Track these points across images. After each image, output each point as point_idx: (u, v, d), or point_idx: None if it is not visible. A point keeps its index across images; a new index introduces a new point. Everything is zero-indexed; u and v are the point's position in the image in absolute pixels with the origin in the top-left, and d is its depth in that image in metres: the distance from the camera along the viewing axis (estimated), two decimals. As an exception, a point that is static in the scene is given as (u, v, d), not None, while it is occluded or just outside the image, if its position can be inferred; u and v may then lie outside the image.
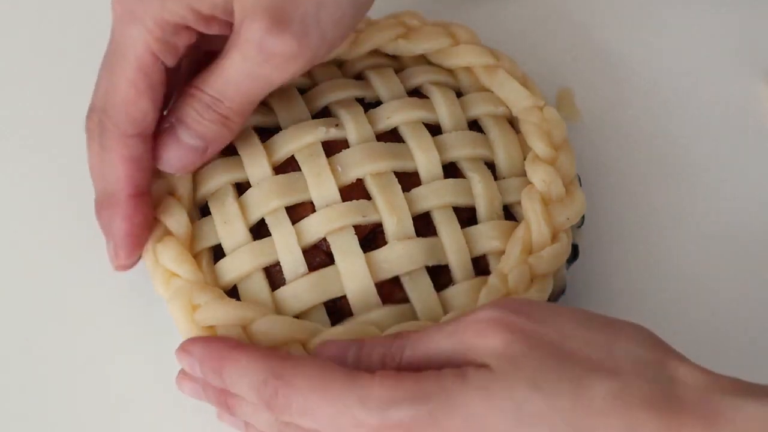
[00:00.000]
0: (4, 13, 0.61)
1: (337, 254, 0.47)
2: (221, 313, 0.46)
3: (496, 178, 0.51)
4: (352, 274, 0.47)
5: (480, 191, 0.50)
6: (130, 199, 0.47)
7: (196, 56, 0.49)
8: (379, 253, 0.48)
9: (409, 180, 0.49)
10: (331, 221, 0.48)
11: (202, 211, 0.50)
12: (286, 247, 0.48)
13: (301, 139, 0.50)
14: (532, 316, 0.41)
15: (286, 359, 0.42)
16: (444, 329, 0.41)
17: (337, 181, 0.49)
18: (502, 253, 0.49)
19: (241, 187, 0.50)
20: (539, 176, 0.50)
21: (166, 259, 0.48)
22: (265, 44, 0.44)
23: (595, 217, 0.55)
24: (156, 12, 0.45)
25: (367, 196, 0.49)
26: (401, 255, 0.47)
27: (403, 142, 0.50)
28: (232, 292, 0.48)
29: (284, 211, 0.49)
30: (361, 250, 0.47)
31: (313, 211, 0.48)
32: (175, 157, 0.47)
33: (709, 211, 0.56)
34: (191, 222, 0.49)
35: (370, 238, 0.48)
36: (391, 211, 0.48)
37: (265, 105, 0.52)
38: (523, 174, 0.51)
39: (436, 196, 0.49)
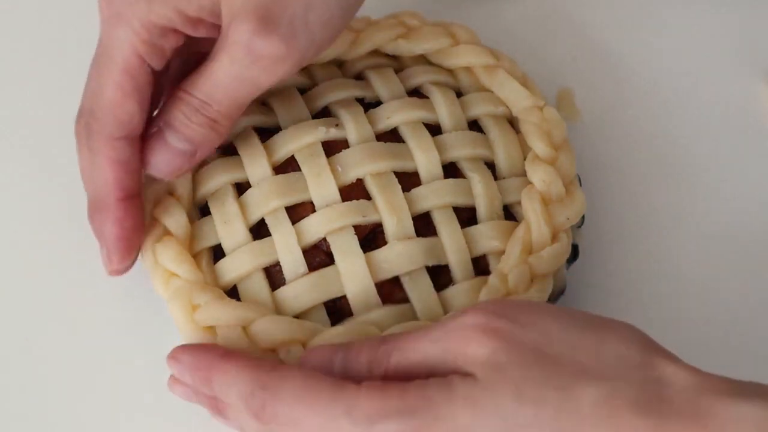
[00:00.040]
0: (4, 13, 0.61)
1: (337, 254, 0.47)
2: (221, 313, 0.46)
3: (496, 178, 0.51)
4: (352, 274, 0.47)
5: (480, 191, 0.50)
6: (120, 202, 0.47)
7: (185, 58, 0.49)
8: (379, 253, 0.48)
9: (409, 180, 0.49)
10: (331, 221, 0.48)
11: (201, 211, 0.50)
12: (286, 247, 0.48)
13: (301, 139, 0.50)
14: (517, 320, 0.40)
15: (273, 370, 0.42)
16: (430, 335, 0.41)
17: (337, 181, 0.49)
18: (502, 253, 0.49)
19: (241, 187, 0.50)
20: (539, 176, 0.50)
21: (166, 259, 0.48)
22: (253, 46, 0.44)
23: (595, 217, 0.55)
24: (143, 14, 0.45)
25: (367, 196, 0.49)
26: (401, 255, 0.47)
27: (403, 142, 0.50)
28: (232, 292, 0.48)
29: (284, 211, 0.49)
30: (361, 250, 0.47)
31: (313, 211, 0.48)
32: (163, 162, 0.47)
33: (709, 211, 0.56)
34: (191, 222, 0.49)
35: (370, 238, 0.48)
36: (391, 211, 0.48)
37: (265, 105, 0.52)
38: (523, 174, 0.51)
39: (436, 196, 0.49)
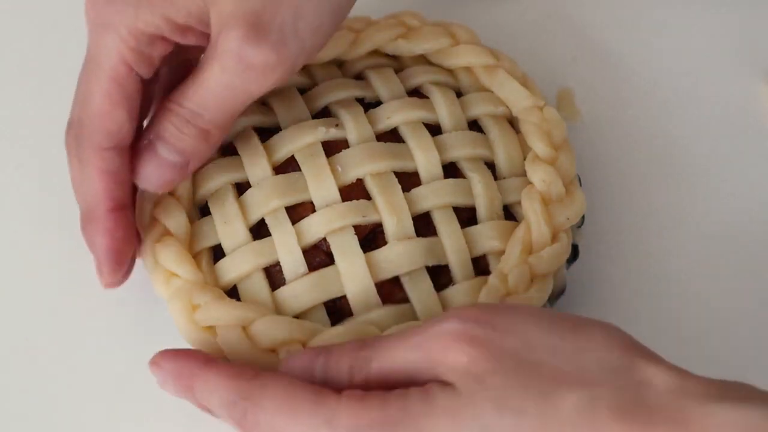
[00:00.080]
0: (4, 13, 0.61)
1: (337, 254, 0.47)
2: (221, 313, 0.46)
3: (496, 178, 0.51)
4: (352, 274, 0.47)
5: (480, 191, 0.50)
6: (110, 213, 0.46)
7: (174, 66, 0.49)
8: (379, 253, 0.48)
9: (409, 180, 0.49)
10: (331, 221, 0.48)
11: (201, 211, 0.50)
12: (286, 247, 0.48)
13: (301, 139, 0.50)
14: (496, 326, 0.40)
15: (254, 379, 0.42)
16: (410, 340, 0.41)
17: (337, 181, 0.49)
18: (502, 253, 0.49)
19: (241, 187, 0.50)
20: (539, 176, 0.50)
21: (166, 259, 0.48)
22: (244, 54, 0.43)
23: (595, 217, 0.55)
24: (130, 22, 0.44)
25: (367, 196, 0.49)
26: (401, 255, 0.47)
27: (403, 142, 0.50)
28: (232, 292, 0.48)
29: (284, 211, 0.49)
30: (361, 250, 0.47)
31: (313, 211, 0.48)
32: (155, 175, 0.46)
33: (709, 211, 0.56)
34: (191, 222, 0.49)
35: (370, 238, 0.48)
36: (391, 211, 0.48)
37: (265, 105, 0.52)
38: (523, 174, 0.51)
39: (436, 196, 0.49)
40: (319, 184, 0.49)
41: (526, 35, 0.60)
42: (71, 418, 0.51)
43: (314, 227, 0.48)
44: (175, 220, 0.49)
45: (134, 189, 0.49)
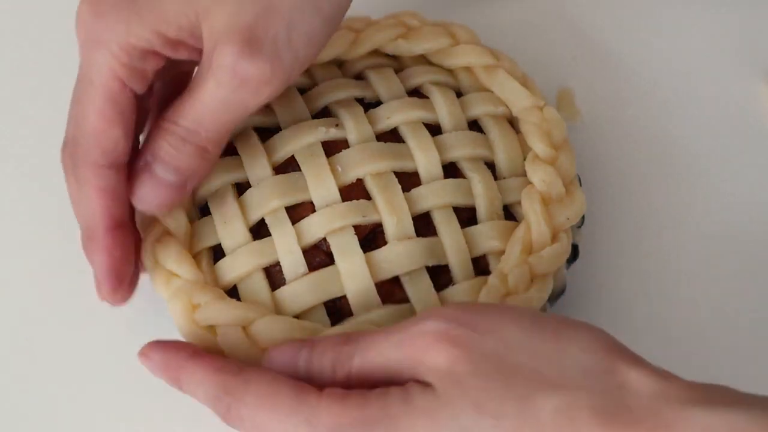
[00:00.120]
0: (4, 13, 0.61)
1: (337, 254, 0.47)
2: (221, 313, 0.46)
3: (496, 178, 0.51)
4: (352, 274, 0.47)
5: (480, 191, 0.50)
6: (108, 232, 0.46)
7: (167, 81, 0.49)
8: (379, 253, 0.48)
9: (409, 180, 0.49)
10: (331, 221, 0.48)
11: (202, 211, 0.50)
12: (286, 247, 0.48)
13: (301, 139, 0.50)
14: (478, 327, 0.40)
15: (239, 374, 0.42)
16: (392, 337, 0.41)
17: (337, 181, 0.49)
18: (502, 253, 0.49)
19: (241, 187, 0.50)
20: (539, 176, 0.50)
21: (166, 259, 0.48)
22: (239, 69, 0.43)
23: (595, 217, 0.55)
24: (121, 37, 0.44)
25: (367, 196, 0.49)
26: (401, 255, 0.47)
27: (403, 142, 0.50)
28: (232, 292, 0.48)
29: (284, 211, 0.49)
30: (361, 250, 0.47)
31: (313, 211, 0.48)
32: (152, 195, 0.46)
33: (709, 211, 0.56)
34: (191, 222, 0.49)
35: (370, 238, 0.48)
36: (391, 211, 0.48)
37: (265, 105, 0.52)
38: (523, 174, 0.51)
39: (436, 196, 0.49)
40: (319, 184, 0.49)
41: (526, 35, 0.60)
42: (71, 418, 0.51)
43: (314, 227, 0.48)
44: (175, 220, 0.49)
45: (132, 206, 0.48)
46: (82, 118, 0.45)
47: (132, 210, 0.48)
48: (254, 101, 0.45)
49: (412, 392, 0.39)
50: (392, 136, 0.51)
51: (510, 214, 0.51)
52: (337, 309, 0.48)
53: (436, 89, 0.52)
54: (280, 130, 0.51)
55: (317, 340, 0.44)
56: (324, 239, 0.48)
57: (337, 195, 0.49)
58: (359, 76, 0.54)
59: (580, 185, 0.52)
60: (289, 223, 0.48)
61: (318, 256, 0.48)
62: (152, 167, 0.45)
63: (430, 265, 0.48)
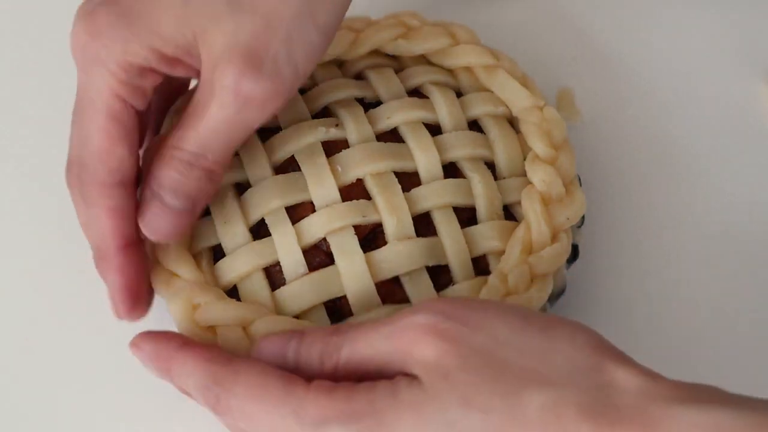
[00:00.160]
0: (4, 13, 0.61)
1: (337, 254, 0.47)
2: (221, 313, 0.46)
3: (496, 178, 0.51)
4: (352, 274, 0.47)
5: (480, 191, 0.50)
6: (120, 250, 0.46)
7: (166, 90, 0.49)
8: (379, 253, 0.48)
9: (409, 180, 0.49)
10: (331, 221, 0.48)
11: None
12: (286, 247, 0.48)
13: (301, 139, 0.50)
14: (467, 321, 0.40)
15: (228, 364, 0.42)
16: (381, 330, 0.41)
17: (337, 181, 0.49)
18: (502, 253, 0.49)
19: (241, 187, 0.50)
20: (539, 176, 0.50)
21: (166, 259, 0.48)
22: (241, 89, 0.43)
23: (595, 217, 0.55)
24: (118, 55, 0.44)
25: (367, 196, 0.49)
26: (401, 255, 0.47)
27: (403, 142, 0.50)
28: (232, 292, 0.48)
29: (284, 211, 0.49)
30: (361, 250, 0.47)
31: (313, 211, 0.48)
32: (166, 225, 0.45)
33: (709, 211, 0.56)
34: (191, 222, 0.49)
35: (370, 238, 0.48)
36: (391, 211, 0.48)
37: (265, 105, 0.52)
38: (523, 174, 0.51)
39: (436, 196, 0.49)
40: (319, 184, 0.49)
41: (526, 35, 0.60)
42: (71, 417, 0.51)
43: (314, 227, 0.48)
44: (175, 220, 0.49)
45: None
46: (86, 138, 0.45)
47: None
48: (258, 119, 0.45)
49: (400, 386, 0.40)
50: (392, 136, 0.51)
51: (510, 214, 0.51)
52: (337, 309, 0.48)
53: (436, 89, 0.52)
54: (280, 130, 0.51)
55: (307, 331, 0.44)
56: (324, 239, 0.48)
57: (337, 195, 0.49)
58: (359, 76, 0.54)
59: (580, 185, 0.52)
60: (289, 223, 0.48)
61: (318, 256, 0.48)
62: (161, 196, 0.45)
63: (430, 265, 0.48)
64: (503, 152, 0.51)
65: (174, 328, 0.47)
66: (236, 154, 0.50)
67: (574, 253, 0.51)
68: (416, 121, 0.51)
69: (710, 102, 0.59)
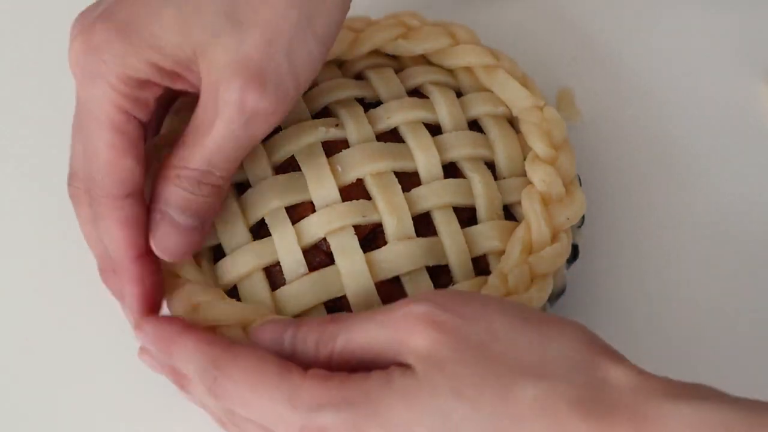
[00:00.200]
0: (4, 13, 0.61)
1: (337, 254, 0.47)
2: (221, 313, 0.46)
3: (496, 178, 0.51)
4: (352, 274, 0.47)
5: (480, 191, 0.50)
6: (135, 261, 0.46)
7: (165, 98, 0.49)
8: (379, 253, 0.48)
9: (409, 180, 0.49)
10: (331, 221, 0.48)
11: (202, 211, 0.50)
12: (286, 247, 0.48)
13: (301, 139, 0.50)
14: (464, 314, 0.40)
15: (227, 349, 0.43)
16: (376, 318, 0.41)
17: (337, 181, 0.49)
18: (502, 253, 0.49)
19: (241, 187, 0.50)
20: (539, 176, 0.50)
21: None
22: (246, 104, 0.43)
23: (595, 217, 0.55)
24: (117, 68, 0.44)
25: (367, 196, 0.49)
26: (401, 255, 0.47)
27: (403, 142, 0.50)
28: (232, 292, 0.48)
29: (284, 211, 0.49)
30: (361, 250, 0.47)
31: (313, 211, 0.48)
32: (178, 243, 0.46)
33: (709, 211, 0.56)
34: (191, 222, 0.49)
35: (370, 238, 0.48)
36: (391, 211, 0.48)
37: (265, 105, 0.52)
38: (523, 174, 0.51)
39: (436, 196, 0.49)
40: (319, 184, 0.49)
41: (526, 35, 0.60)
42: (71, 417, 0.51)
43: (314, 227, 0.48)
44: (175, 220, 0.49)
45: None
46: (91, 152, 0.45)
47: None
48: (263, 132, 0.45)
49: (393, 375, 0.40)
50: (392, 136, 0.51)
51: (510, 214, 0.51)
52: (337, 309, 0.48)
53: (436, 89, 0.52)
54: (280, 130, 0.51)
55: (304, 319, 0.44)
56: (324, 239, 0.48)
57: (337, 195, 0.49)
58: (359, 76, 0.54)
59: (580, 185, 0.52)
60: (289, 223, 0.48)
61: (318, 256, 0.48)
62: (172, 217, 0.45)
63: (430, 265, 0.48)
64: (503, 152, 0.51)
65: (174, 328, 0.48)
66: (236, 154, 0.50)
67: (574, 253, 0.51)
68: (416, 121, 0.51)
69: (710, 102, 0.59)
